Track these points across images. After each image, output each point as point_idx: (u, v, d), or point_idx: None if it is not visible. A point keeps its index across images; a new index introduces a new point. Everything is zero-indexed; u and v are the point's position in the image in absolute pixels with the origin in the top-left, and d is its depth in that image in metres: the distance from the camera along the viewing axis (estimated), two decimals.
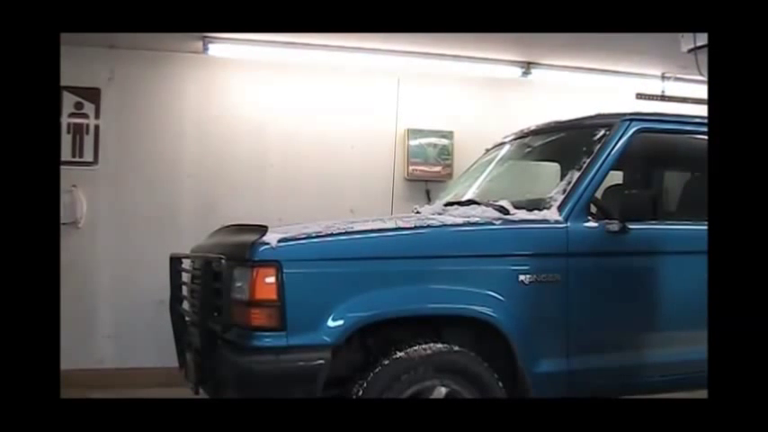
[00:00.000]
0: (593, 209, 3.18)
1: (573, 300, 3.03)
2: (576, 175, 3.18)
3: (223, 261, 2.89)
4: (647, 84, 5.99)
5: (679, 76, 5.90)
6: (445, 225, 3.06)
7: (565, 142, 3.64)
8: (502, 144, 4.11)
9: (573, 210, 3.09)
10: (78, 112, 5.22)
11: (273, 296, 2.66)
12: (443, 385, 2.80)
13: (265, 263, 2.67)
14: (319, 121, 5.63)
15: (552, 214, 3.09)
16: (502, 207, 3.19)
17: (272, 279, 2.66)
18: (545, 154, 3.88)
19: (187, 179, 5.43)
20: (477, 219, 3.13)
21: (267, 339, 2.66)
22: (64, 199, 4.89)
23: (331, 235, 2.86)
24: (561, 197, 3.14)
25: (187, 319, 3.51)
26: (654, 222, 3.14)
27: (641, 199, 3.11)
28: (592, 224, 3.12)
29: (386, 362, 2.75)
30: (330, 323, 2.69)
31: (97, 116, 5.27)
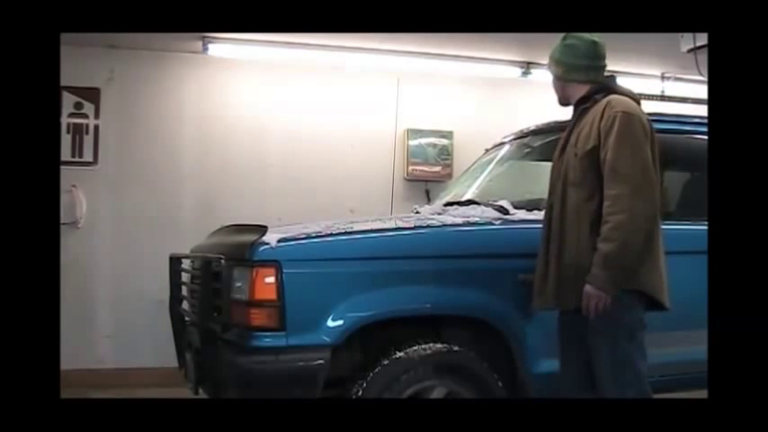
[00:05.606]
0: None
1: None
2: None
3: (223, 261, 2.89)
4: (647, 84, 5.98)
5: (679, 76, 5.90)
6: (445, 225, 3.06)
7: None
8: (502, 144, 4.10)
9: None
10: (78, 112, 5.21)
11: (273, 296, 2.66)
12: (443, 385, 2.80)
13: (265, 263, 2.67)
14: (319, 121, 5.62)
15: None
16: (502, 207, 3.19)
17: (271, 279, 2.65)
18: (545, 154, 3.86)
19: (187, 179, 5.43)
20: (477, 219, 3.13)
21: (267, 339, 2.66)
22: (64, 199, 4.88)
23: (331, 235, 2.86)
24: None
25: (187, 319, 3.50)
26: None
27: None
28: None
29: (385, 362, 2.75)
30: (330, 323, 2.68)
31: (97, 116, 5.26)
